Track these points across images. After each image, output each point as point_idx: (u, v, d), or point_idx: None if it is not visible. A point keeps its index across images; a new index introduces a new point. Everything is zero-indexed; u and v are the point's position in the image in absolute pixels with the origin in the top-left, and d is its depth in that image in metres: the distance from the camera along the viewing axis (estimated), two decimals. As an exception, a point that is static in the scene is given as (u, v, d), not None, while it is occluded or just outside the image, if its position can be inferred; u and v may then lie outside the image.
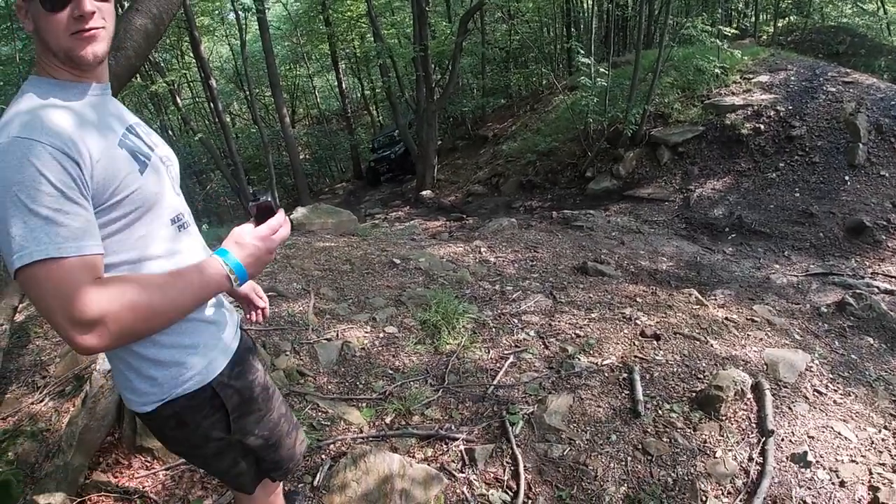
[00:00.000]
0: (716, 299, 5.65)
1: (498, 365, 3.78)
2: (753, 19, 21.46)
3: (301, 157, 24.17)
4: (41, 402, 3.30)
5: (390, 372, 3.68)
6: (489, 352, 3.93)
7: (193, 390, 1.49)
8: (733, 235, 8.29)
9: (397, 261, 5.67)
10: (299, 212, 7.33)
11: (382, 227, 8.72)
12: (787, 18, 22.02)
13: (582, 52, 11.34)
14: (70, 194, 1.15)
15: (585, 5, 23.50)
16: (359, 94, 30.83)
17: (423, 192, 15.46)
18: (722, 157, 10.20)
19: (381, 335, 4.08)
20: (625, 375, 3.64)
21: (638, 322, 4.39)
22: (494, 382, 3.56)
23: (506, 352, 3.92)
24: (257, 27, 15.71)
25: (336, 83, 26.43)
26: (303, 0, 24.95)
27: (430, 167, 15.99)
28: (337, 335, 3.99)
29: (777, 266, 7.06)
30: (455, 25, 19.20)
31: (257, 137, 19.98)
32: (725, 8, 18.81)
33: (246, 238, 1.36)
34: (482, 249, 6.68)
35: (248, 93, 16.61)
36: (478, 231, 8.03)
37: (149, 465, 2.90)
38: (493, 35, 22.29)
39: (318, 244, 6.25)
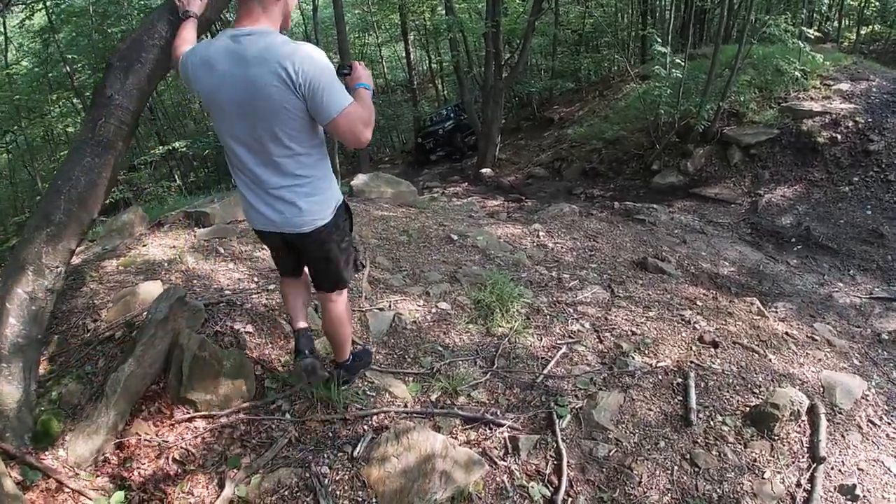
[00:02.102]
0: (776, 312, 5.43)
1: (549, 354, 3.68)
2: (836, 24, 20.49)
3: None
4: (90, 344, 3.34)
5: (440, 348, 3.62)
6: (541, 339, 3.84)
7: (341, 203, 2.57)
8: (799, 247, 7.93)
9: (454, 237, 5.60)
10: (360, 179, 7.30)
11: (441, 200, 8.65)
12: (870, 26, 20.98)
13: (659, 40, 10.96)
14: None
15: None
16: (425, 67, 30.70)
17: (483, 170, 15.31)
18: (795, 163, 9.79)
19: (434, 310, 4.02)
20: (679, 380, 3.51)
21: (697, 326, 4.23)
22: (545, 371, 3.47)
23: (558, 341, 3.82)
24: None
25: (404, 54, 26.37)
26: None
27: (492, 145, 15.82)
28: (389, 306, 3.95)
29: (841, 284, 6.74)
30: (528, 4, 18.87)
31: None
32: (809, 9, 17.95)
33: (361, 72, 2.42)
34: (540, 234, 6.54)
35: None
36: (537, 215, 7.87)
37: (191, 417, 2.91)
38: (567, 17, 21.83)
39: (376, 213, 6.21)
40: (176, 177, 18.41)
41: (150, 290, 3.77)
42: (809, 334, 4.69)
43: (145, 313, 3.31)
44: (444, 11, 20.42)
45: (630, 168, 12.10)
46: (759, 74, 11.54)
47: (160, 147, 13.61)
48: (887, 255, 7.47)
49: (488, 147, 15.81)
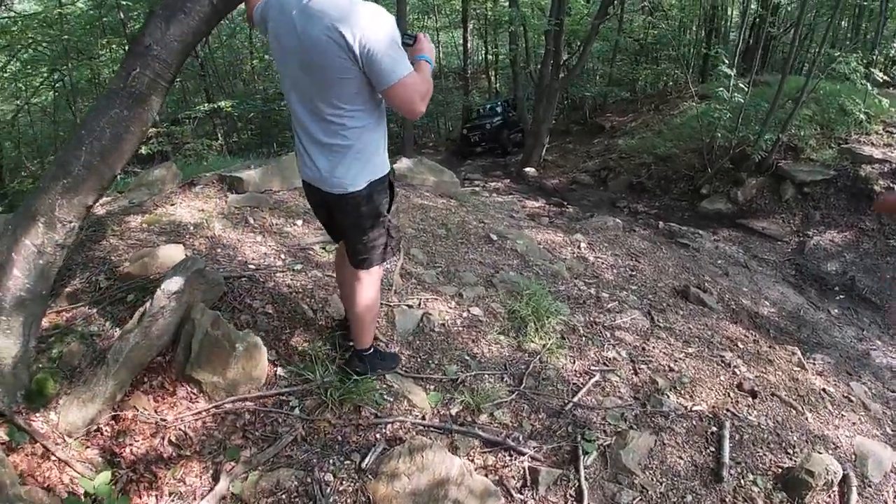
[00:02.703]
0: (815, 364, 5.11)
1: (581, 380, 3.42)
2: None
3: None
4: (99, 304, 3.16)
5: (467, 357, 3.38)
6: (574, 362, 3.58)
7: (382, 178, 2.49)
8: (842, 297, 7.55)
9: (494, 237, 5.34)
10: (403, 163, 7.07)
11: (482, 195, 8.40)
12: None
13: (726, 61, 10.53)
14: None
15: (731, 12, 22.21)
16: (481, 57, 30.38)
17: (527, 169, 15.03)
18: (848, 209, 9.35)
19: (465, 315, 3.78)
20: (714, 429, 3.23)
21: (736, 371, 3.94)
22: (574, 399, 3.21)
23: (592, 367, 3.56)
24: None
25: (461, 41, 26.07)
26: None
27: (539, 145, 15.52)
28: (419, 304, 3.72)
29: (879, 343, 6.38)
30: (593, 6, 18.45)
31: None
32: (879, 51, 17.23)
33: (424, 44, 2.40)
34: (582, 245, 6.27)
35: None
36: (579, 224, 7.59)
37: (193, 397, 2.72)
38: (630, 25, 21.35)
39: (416, 200, 5.99)
40: (219, 135, 18.39)
41: (171, 253, 3.59)
42: (846, 394, 4.39)
43: (162, 280, 3.13)
44: (507, 3, 20.09)
45: (678, 188, 11.72)
46: (822, 111, 11.07)
47: (206, 104, 13.49)
48: (930, 320, 7.10)
49: (535, 146, 15.51)
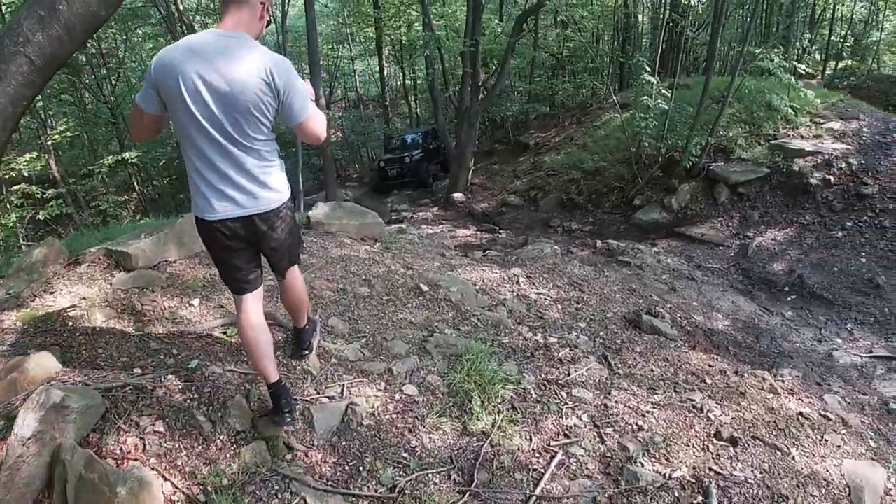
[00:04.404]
0: (783, 381, 4.78)
1: (542, 461, 2.92)
2: (817, 58, 20.34)
3: (333, 139, 23.38)
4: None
5: (405, 455, 2.83)
6: (531, 439, 3.07)
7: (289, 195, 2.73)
8: (793, 297, 7.34)
9: (424, 287, 4.81)
10: (319, 209, 6.46)
11: (409, 233, 7.86)
12: (846, 62, 20.98)
13: (648, 68, 10.40)
14: None
15: (641, 20, 22.57)
16: (399, 83, 30.08)
17: (455, 195, 14.66)
18: (786, 205, 9.28)
19: (398, 397, 3.22)
20: (700, 499, 2.78)
21: (710, 416, 3.53)
22: (537, 492, 2.70)
23: (552, 442, 3.06)
24: (302, 2, 14.96)
25: (378, 69, 25.69)
26: (352, -20, 24.22)
27: (465, 169, 15.19)
28: (342, 392, 3.14)
29: (839, 340, 6.18)
30: (507, 24, 18.34)
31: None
32: (794, 44, 17.75)
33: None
34: (521, 280, 5.82)
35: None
36: (515, 255, 7.15)
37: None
38: (545, 39, 21.40)
39: (335, 251, 5.42)
40: (135, 184, 17.38)
41: (44, 364, 2.96)
42: (822, 411, 4.06)
43: (25, 403, 2.51)
44: (420, 28, 19.82)
45: (610, 201, 11.51)
46: (746, 109, 11.08)
47: (109, 157, 12.57)
48: (884, 308, 6.92)
49: (461, 170, 15.17)
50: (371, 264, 5.20)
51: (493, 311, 4.78)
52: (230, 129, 2.41)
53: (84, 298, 3.83)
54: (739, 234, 9.16)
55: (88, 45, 15.33)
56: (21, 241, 11.30)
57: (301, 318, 3.22)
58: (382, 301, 4.41)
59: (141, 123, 2.53)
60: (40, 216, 11.21)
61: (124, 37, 17.36)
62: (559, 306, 5.35)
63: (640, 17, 22.19)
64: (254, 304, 2.73)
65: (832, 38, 19.83)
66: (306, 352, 3.31)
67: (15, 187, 11.37)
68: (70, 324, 3.51)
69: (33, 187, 11.36)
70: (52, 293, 3.96)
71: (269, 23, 2.64)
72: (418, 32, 20.87)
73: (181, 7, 11.85)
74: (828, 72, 19.66)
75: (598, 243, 8.92)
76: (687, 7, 14.38)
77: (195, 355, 3.18)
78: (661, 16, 16.37)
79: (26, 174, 11.37)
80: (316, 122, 2.57)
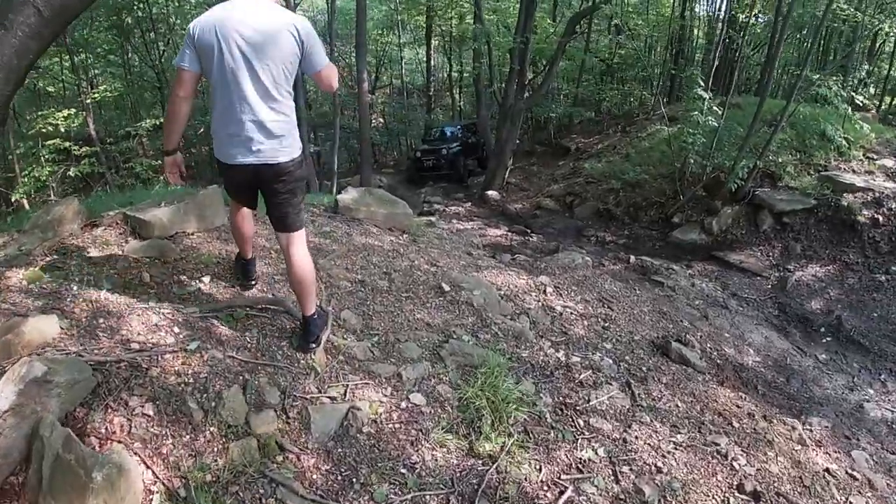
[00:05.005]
0: (812, 430, 4.51)
1: (549, 495, 2.70)
2: (873, 91, 19.64)
3: (373, 125, 23.26)
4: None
5: (403, 471, 2.62)
6: (541, 469, 2.84)
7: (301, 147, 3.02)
8: (828, 339, 7.00)
9: (446, 287, 4.59)
10: (349, 194, 6.27)
11: (438, 227, 7.66)
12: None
13: (701, 83, 10.03)
14: None
15: (697, 33, 22.01)
16: (445, 74, 29.85)
17: (490, 192, 14.41)
18: (830, 240, 8.90)
19: (404, 405, 3.02)
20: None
21: (735, 465, 3.28)
22: (542, 529, 2.49)
23: (563, 476, 2.83)
24: (356, -18, 14.79)
25: (425, 58, 25.49)
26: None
27: (502, 167, 14.92)
28: (345, 394, 2.94)
29: (871, 391, 5.86)
30: (559, 24, 18.00)
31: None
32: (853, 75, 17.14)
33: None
34: (548, 290, 5.58)
35: (332, 48, 15.69)
36: (544, 262, 6.88)
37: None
38: (596, 45, 20.99)
39: (359, 239, 5.23)
40: (173, 150, 17.36)
41: (42, 328, 2.81)
42: (849, 469, 3.81)
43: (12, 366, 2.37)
44: (471, 20, 19.56)
45: (648, 216, 11.17)
46: (798, 136, 10.66)
47: (147, 121, 12.53)
48: (921, 362, 6.60)
49: (498, 169, 14.91)
50: (394, 257, 5.00)
51: (515, 320, 4.55)
52: (260, 77, 2.72)
53: (94, 263, 3.69)
54: (779, 265, 8.80)
55: (138, 8, 15.40)
56: (52, 197, 11.31)
57: (308, 304, 3.14)
58: (401, 297, 4.20)
59: (181, 84, 2.81)
60: (71, 173, 11.17)
61: (176, 3, 17.31)
62: (585, 322, 5.10)
63: (695, 30, 21.65)
64: (245, 210, 3.32)
65: (891, 71, 19.05)
66: (314, 345, 3.17)
67: (49, 142, 11.31)
68: (75, 288, 3.36)
69: (67, 143, 11.30)
70: (63, 253, 3.82)
71: None
72: (468, 25, 20.62)
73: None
74: (882, 106, 18.94)
75: (632, 258, 8.62)
76: (745, 25, 14.01)
77: (197, 335, 3.01)
78: (719, 31, 15.93)
79: (63, 130, 11.31)
80: (332, 71, 2.93)
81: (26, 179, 11.02)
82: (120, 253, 3.83)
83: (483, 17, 16.03)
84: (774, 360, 6.07)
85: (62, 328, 2.94)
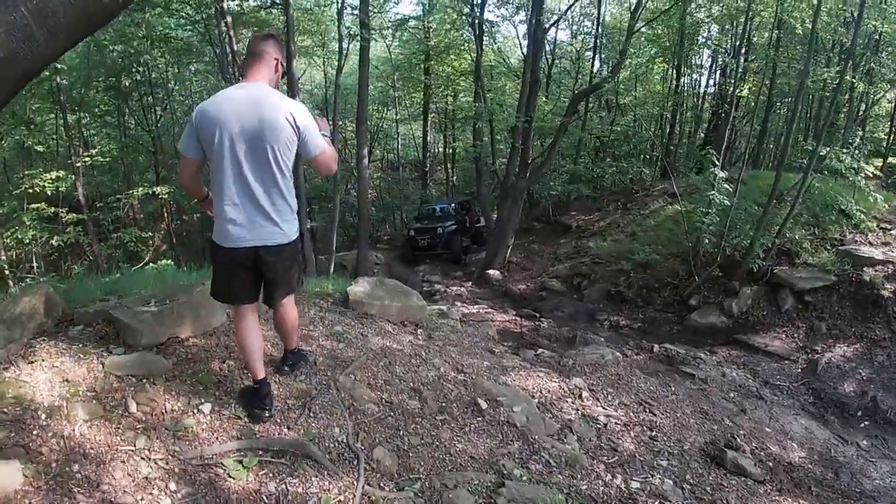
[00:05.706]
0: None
1: None
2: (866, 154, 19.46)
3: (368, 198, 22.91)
4: None
5: None
6: None
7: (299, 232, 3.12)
8: (866, 422, 6.64)
9: (483, 404, 3.94)
10: (360, 286, 5.68)
11: (450, 317, 7.06)
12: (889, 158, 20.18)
13: (717, 162, 9.69)
14: None
15: (685, 108, 22.08)
16: (438, 150, 29.88)
17: (491, 272, 13.91)
18: (855, 317, 8.50)
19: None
20: None
21: None
22: None
23: None
24: (356, 60, 14.63)
25: (421, 134, 25.48)
26: (406, 46, 24.22)
27: (504, 246, 14.48)
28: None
29: (916, 477, 5.41)
30: (554, 102, 17.92)
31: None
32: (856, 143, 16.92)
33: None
34: (583, 395, 4.99)
35: (334, 125, 15.45)
36: (571, 360, 6.27)
37: None
38: (591, 121, 21.01)
39: (375, 341, 4.62)
40: (165, 214, 16.85)
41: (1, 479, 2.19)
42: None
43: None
44: (467, 98, 19.55)
45: (662, 298, 10.66)
46: (809, 210, 10.33)
47: (138, 189, 11.99)
48: (960, 436, 6.21)
49: (500, 248, 14.47)
50: (418, 364, 4.38)
51: (562, 441, 3.92)
52: (259, 163, 2.82)
53: (67, 381, 3.05)
54: (806, 347, 8.36)
55: (137, 71, 15.15)
56: (35, 262, 10.68)
57: (292, 341, 3.58)
58: (436, 421, 3.56)
59: (186, 170, 3.00)
60: (54, 242, 10.56)
61: (176, 69, 17.12)
62: (632, 433, 4.51)
63: (684, 104, 21.74)
64: (250, 313, 3.10)
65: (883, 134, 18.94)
66: (287, 368, 3.60)
67: (34, 205, 10.69)
68: (43, 417, 2.72)
69: (51, 208, 10.71)
70: (31, 362, 3.18)
71: (283, 74, 2.94)
72: (465, 102, 20.62)
73: (236, 49, 11.44)
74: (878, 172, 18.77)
75: (656, 348, 8.06)
76: (738, 99, 13.84)
77: (199, 493, 2.36)
78: (711, 105, 15.73)
79: (50, 193, 10.73)
80: (328, 156, 3.03)
81: (8, 241, 10.43)
82: (100, 367, 3.19)
83: (485, 96, 15.92)
84: (819, 454, 5.67)
85: (26, 476, 2.32)
